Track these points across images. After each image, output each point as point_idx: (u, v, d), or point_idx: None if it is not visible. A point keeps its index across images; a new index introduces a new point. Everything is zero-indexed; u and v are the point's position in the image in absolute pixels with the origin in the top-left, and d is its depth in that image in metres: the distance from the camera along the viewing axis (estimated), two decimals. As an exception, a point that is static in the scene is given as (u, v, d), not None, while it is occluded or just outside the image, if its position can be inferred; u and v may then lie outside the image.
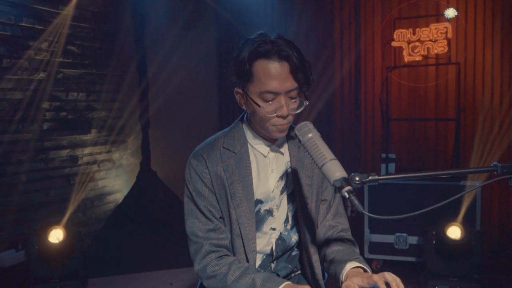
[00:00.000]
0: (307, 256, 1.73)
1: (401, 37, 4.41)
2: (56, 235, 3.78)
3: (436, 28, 4.28)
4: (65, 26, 4.78)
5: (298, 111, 1.60)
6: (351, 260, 1.59)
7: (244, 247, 1.65)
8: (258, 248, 1.70)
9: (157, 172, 5.30)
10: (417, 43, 4.34)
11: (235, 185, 1.64)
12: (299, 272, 1.84)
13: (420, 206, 1.34)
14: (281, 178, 1.71)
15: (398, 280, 1.39)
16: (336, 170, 1.35)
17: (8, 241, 4.16)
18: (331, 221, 1.76)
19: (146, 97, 5.44)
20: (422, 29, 4.34)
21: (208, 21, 5.47)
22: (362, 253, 4.38)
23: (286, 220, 1.74)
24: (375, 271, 4.21)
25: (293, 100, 1.57)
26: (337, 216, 1.77)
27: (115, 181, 5.45)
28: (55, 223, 3.89)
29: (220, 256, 1.62)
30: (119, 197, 5.36)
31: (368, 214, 1.30)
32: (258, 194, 1.68)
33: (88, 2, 4.98)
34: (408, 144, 4.76)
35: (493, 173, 1.36)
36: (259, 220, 1.70)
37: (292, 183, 1.72)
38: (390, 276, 1.40)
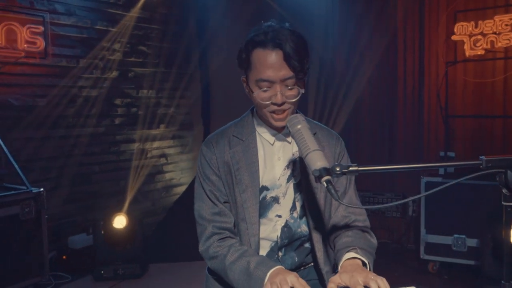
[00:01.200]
0: (314, 247, 1.76)
1: (462, 30, 4.22)
2: (120, 222, 4.09)
3: (501, 20, 4.04)
4: (136, 28, 5.13)
5: (295, 99, 1.62)
6: (349, 251, 1.59)
7: (247, 230, 1.72)
8: (264, 235, 1.75)
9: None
10: (479, 37, 4.13)
11: (241, 171, 1.70)
12: (311, 264, 1.86)
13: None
14: (287, 166, 1.75)
15: None
16: (317, 160, 1.39)
17: (81, 226, 4.57)
18: (343, 212, 1.75)
19: (208, 93, 5.66)
20: (485, 21, 4.12)
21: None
22: (417, 253, 4.27)
23: (293, 208, 1.77)
24: (431, 273, 4.10)
25: (289, 88, 1.60)
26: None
27: (182, 174, 5.74)
28: (121, 211, 4.20)
29: (222, 238, 1.69)
30: (185, 189, 5.64)
31: (343, 203, 1.34)
32: (264, 181, 1.73)
33: (157, 4, 5.29)
34: (472, 142, 4.54)
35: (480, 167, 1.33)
36: (265, 206, 1.74)
37: (300, 172, 1.77)
38: (374, 285, 1.39)
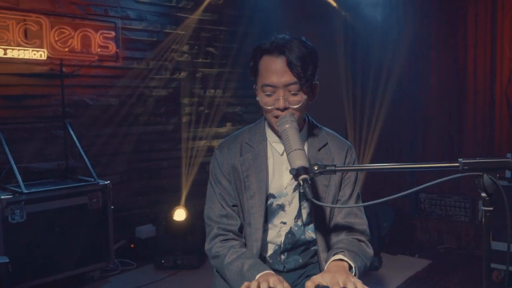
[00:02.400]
0: (319, 251, 1.80)
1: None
2: (179, 214, 4.33)
3: None
4: (204, 30, 5.35)
5: (297, 105, 1.65)
6: (337, 253, 1.62)
7: (251, 235, 1.78)
8: (269, 238, 1.82)
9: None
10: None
11: (250, 178, 1.77)
12: (317, 262, 1.88)
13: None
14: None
15: None
16: (297, 159, 1.43)
17: (149, 217, 4.89)
18: (341, 220, 1.78)
19: None
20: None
21: (337, 25, 5.50)
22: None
23: (297, 217, 1.80)
24: (495, 282, 3.86)
25: (292, 93, 1.64)
26: (350, 216, 1.78)
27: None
28: (180, 204, 4.43)
29: (226, 240, 1.77)
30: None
31: (316, 202, 1.36)
32: (271, 188, 1.79)
33: (225, 6, 5.47)
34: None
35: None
36: (271, 213, 1.80)
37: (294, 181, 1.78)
38: (350, 286, 1.41)
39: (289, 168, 1.71)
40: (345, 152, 1.82)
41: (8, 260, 3.23)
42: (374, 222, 4.31)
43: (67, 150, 4.24)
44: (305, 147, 1.78)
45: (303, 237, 1.82)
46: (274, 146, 1.80)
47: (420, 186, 1.30)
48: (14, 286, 3.33)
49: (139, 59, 4.88)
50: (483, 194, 1.26)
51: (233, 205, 1.81)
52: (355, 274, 1.57)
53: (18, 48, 3.86)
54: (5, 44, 3.83)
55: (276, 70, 1.62)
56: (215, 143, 5.55)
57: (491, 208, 1.26)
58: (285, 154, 1.76)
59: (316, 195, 1.76)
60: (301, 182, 1.39)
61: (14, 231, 3.48)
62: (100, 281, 4.04)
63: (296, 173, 1.40)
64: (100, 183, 3.94)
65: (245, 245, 1.80)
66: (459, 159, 1.27)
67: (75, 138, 4.11)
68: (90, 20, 4.43)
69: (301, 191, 1.38)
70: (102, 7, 4.59)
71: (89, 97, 4.53)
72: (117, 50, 4.54)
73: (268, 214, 1.79)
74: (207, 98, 5.49)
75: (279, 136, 1.56)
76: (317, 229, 1.78)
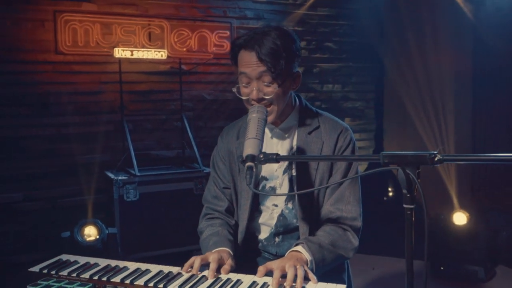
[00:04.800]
0: (300, 238, 1.81)
1: None
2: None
3: None
4: (323, 25, 5.39)
5: (271, 96, 1.68)
6: (297, 244, 1.63)
7: (240, 216, 1.88)
8: (262, 220, 1.88)
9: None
10: None
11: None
12: None
13: None
14: None
15: (290, 279, 1.41)
16: (248, 147, 1.48)
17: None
18: (330, 207, 1.76)
19: (382, 88, 5.51)
20: None
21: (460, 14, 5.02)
22: None
23: (288, 199, 1.84)
24: None
25: (265, 84, 1.68)
26: (340, 202, 1.75)
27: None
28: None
29: (210, 218, 1.91)
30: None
31: (254, 190, 1.40)
32: (264, 171, 1.85)
33: (345, 0, 5.42)
34: None
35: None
36: (264, 195, 1.87)
37: (296, 166, 1.81)
38: (290, 272, 1.43)
39: (279, 151, 1.79)
40: (337, 135, 1.80)
41: (117, 232, 3.79)
42: (486, 229, 3.90)
43: (184, 140, 4.72)
44: (296, 131, 1.83)
45: (294, 220, 1.84)
46: (265, 130, 1.85)
47: (344, 179, 1.26)
48: (124, 255, 3.87)
49: (255, 56, 5.13)
50: (404, 191, 1.17)
51: (224, 187, 1.92)
52: (311, 267, 1.57)
53: (142, 49, 4.42)
54: (132, 46, 4.42)
55: (248, 63, 1.69)
56: (332, 138, 5.55)
57: (412, 206, 1.16)
58: (275, 138, 1.82)
59: (306, 179, 1.78)
60: (245, 168, 1.45)
61: (128, 208, 4.03)
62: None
63: (242, 160, 1.46)
64: (205, 171, 4.31)
65: (233, 225, 1.90)
66: (381, 152, 1.20)
67: (188, 130, 4.55)
68: (209, 22, 4.83)
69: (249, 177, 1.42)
70: (221, 9, 4.96)
71: (207, 92, 4.95)
72: (232, 48, 4.86)
73: (261, 196, 1.86)
74: (324, 93, 5.52)
75: (247, 121, 1.63)
76: (301, 214, 1.79)
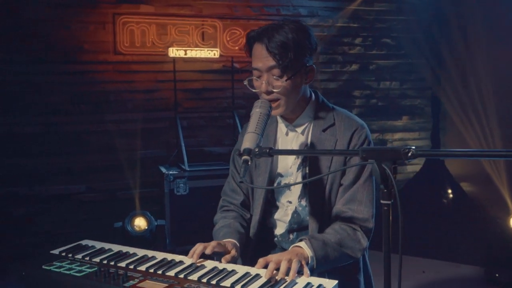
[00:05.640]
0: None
1: None
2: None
3: None
4: (380, 21, 5.26)
5: (279, 90, 1.68)
6: (301, 240, 1.62)
7: (253, 210, 1.90)
8: (278, 217, 1.88)
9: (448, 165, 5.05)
10: None
11: (260, 158, 1.90)
12: None
13: None
14: (298, 156, 1.84)
15: (282, 272, 1.42)
16: (246, 141, 1.51)
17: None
18: (342, 206, 1.72)
19: (439, 84, 5.26)
20: None
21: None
22: None
23: (301, 196, 1.82)
24: None
25: (275, 77, 1.69)
26: (352, 202, 1.71)
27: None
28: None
29: (226, 210, 1.95)
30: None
31: (246, 183, 1.43)
32: (279, 168, 1.86)
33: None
34: None
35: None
36: (279, 191, 1.86)
37: (309, 163, 1.81)
38: (283, 265, 1.44)
39: (293, 147, 1.79)
40: (351, 133, 1.76)
41: (165, 224, 3.95)
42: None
43: (235, 137, 4.80)
44: (310, 128, 1.82)
45: (307, 218, 1.84)
46: (280, 126, 1.87)
47: (326, 173, 1.26)
48: (172, 247, 4.03)
49: (309, 53, 5.12)
50: (381, 186, 1.15)
51: (241, 181, 1.95)
52: (312, 264, 1.58)
53: (196, 49, 4.57)
54: (186, 46, 4.58)
55: (259, 55, 1.71)
56: (389, 136, 5.42)
57: (389, 202, 1.14)
58: (290, 134, 1.83)
59: (317, 179, 1.77)
60: (242, 161, 1.48)
61: (178, 202, 4.18)
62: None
63: (239, 153, 1.50)
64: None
65: (247, 218, 1.93)
66: (361, 147, 1.19)
67: (239, 127, 4.63)
68: (262, 21, 4.88)
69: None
70: (274, 7, 5.00)
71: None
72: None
73: (276, 192, 1.88)
74: (381, 91, 5.38)
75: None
76: (310, 212, 1.78)
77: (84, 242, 1.81)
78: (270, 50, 1.67)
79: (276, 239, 1.93)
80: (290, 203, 1.86)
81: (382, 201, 1.15)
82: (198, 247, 1.60)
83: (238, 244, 1.73)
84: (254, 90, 1.77)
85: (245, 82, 1.78)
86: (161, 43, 4.58)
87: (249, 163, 1.48)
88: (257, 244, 1.93)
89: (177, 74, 4.57)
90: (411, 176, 5.47)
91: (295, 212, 1.85)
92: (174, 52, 4.45)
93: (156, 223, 3.88)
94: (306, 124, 1.83)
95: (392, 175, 1.10)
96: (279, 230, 1.92)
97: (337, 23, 5.18)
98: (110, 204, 4.53)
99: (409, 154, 1.08)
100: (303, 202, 1.83)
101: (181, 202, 4.19)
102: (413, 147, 1.09)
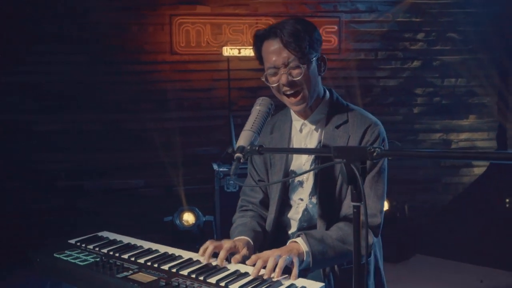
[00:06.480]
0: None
1: None
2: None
3: None
4: (445, 15, 4.99)
5: (299, 78, 1.67)
6: (300, 235, 1.60)
7: (270, 208, 1.90)
8: (290, 215, 1.87)
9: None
10: None
11: (275, 156, 1.87)
12: None
13: None
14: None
15: (268, 269, 1.43)
16: (241, 139, 1.52)
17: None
18: (349, 201, 1.69)
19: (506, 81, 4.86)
20: None
21: None
22: None
23: (312, 194, 1.79)
24: None
25: (292, 68, 1.68)
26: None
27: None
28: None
29: (244, 210, 1.95)
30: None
31: (235, 181, 1.43)
32: (293, 165, 1.84)
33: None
34: None
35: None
36: (292, 189, 1.84)
37: (321, 161, 1.77)
38: (271, 262, 1.43)
39: (307, 145, 1.79)
40: (364, 130, 1.74)
41: (213, 220, 4.03)
42: None
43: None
44: (323, 125, 1.80)
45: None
46: (295, 124, 1.86)
47: (300, 173, 1.23)
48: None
49: (367, 50, 4.98)
50: (351, 187, 1.10)
51: (259, 180, 1.96)
52: (308, 260, 1.57)
53: (249, 47, 4.60)
54: (240, 45, 4.63)
55: (274, 51, 1.71)
56: (453, 136, 5.13)
57: (359, 204, 1.09)
58: (304, 131, 1.81)
59: (329, 173, 1.74)
60: (235, 158, 1.49)
61: (227, 199, 4.23)
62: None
63: (232, 151, 1.50)
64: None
65: (266, 217, 1.93)
66: (333, 146, 1.15)
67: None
68: (318, 18, 4.82)
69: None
70: (331, 4, 4.91)
71: (315, 88, 4.94)
72: (340, 43, 4.80)
73: (290, 190, 1.86)
74: (445, 88, 5.10)
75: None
76: (319, 209, 1.76)
77: (102, 233, 1.90)
78: (284, 41, 1.67)
79: (288, 238, 1.91)
80: (301, 201, 1.85)
81: (352, 203, 1.10)
82: (209, 247, 1.60)
83: (251, 242, 1.73)
84: (272, 85, 1.76)
85: (263, 78, 1.78)
86: (215, 42, 4.67)
87: (241, 160, 1.48)
88: (272, 243, 1.93)
89: (231, 73, 4.63)
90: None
91: (306, 209, 1.84)
92: (228, 51, 4.51)
93: (204, 219, 3.96)
94: (319, 121, 1.81)
95: (360, 176, 1.05)
96: (292, 228, 1.91)
97: (398, 17, 4.98)
98: (165, 199, 4.69)
99: (375, 154, 1.03)
100: (314, 200, 1.81)
101: (230, 199, 4.23)
102: (378, 148, 1.03)
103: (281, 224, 1.93)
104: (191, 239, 3.79)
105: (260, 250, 1.84)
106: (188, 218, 3.89)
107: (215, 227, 4.14)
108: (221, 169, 4.25)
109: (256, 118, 1.58)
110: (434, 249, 4.39)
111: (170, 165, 4.75)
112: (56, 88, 4.54)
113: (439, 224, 4.75)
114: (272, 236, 1.92)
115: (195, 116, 4.81)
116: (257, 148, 1.44)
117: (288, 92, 1.73)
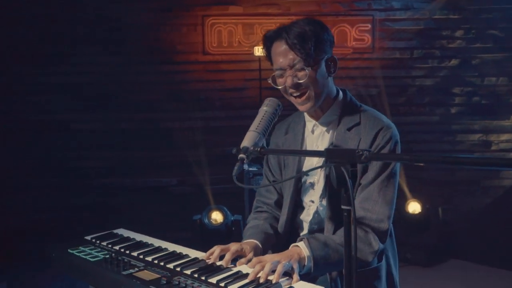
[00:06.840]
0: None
1: None
2: (413, 207, 4.20)
3: None
4: (486, 11, 4.81)
5: (304, 80, 1.65)
6: (302, 239, 1.59)
7: (283, 210, 1.88)
8: (301, 216, 1.84)
9: None
10: None
11: (288, 157, 1.87)
12: None
13: None
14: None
15: (265, 273, 1.42)
16: (246, 139, 1.52)
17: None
18: (358, 205, 1.62)
19: None
20: None
21: None
22: None
23: (322, 196, 1.76)
24: None
25: (298, 70, 1.66)
26: (367, 201, 1.62)
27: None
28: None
29: (258, 212, 1.94)
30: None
31: (237, 182, 1.43)
32: (305, 167, 1.82)
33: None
34: None
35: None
36: (304, 190, 1.82)
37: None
38: (267, 267, 1.42)
39: (319, 146, 1.78)
40: (376, 132, 1.69)
41: (241, 218, 4.05)
42: None
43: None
44: (335, 127, 1.77)
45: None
46: (308, 125, 1.84)
47: (294, 176, 1.22)
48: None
49: (402, 49, 4.87)
50: (342, 190, 1.08)
51: (274, 181, 1.95)
52: (310, 265, 1.55)
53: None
54: (271, 44, 4.62)
55: (280, 52, 1.70)
56: (494, 137, 4.94)
57: (349, 208, 1.07)
58: (316, 132, 1.79)
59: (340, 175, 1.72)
60: (238, 159, 1.49)
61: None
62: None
63: (235, 151, 1.51)
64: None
65: (278, 218, 1.92)
66: (325, 148, 1.13)
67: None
68: (351, 16, 4.75)
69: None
70: (365, 2, 4.83)
71: (349, 88, 4.86)
72: (373, 42, 4.71)
73: (302, 192, 1.85)
74: (485, 87, 4.92)
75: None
76: (328, 212, 1.74)
77: (117, 230, 1.94)
78: (289, 42, 1.66)
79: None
80: (312, 203, 1.83)
81: (342, 206, 1.08)
82: (216, 250, 1.62)
83: (260, 246, 1.73)
84: (279, 87, 1.75)
85: (269, 80, 1.78)
86: (247, 42, 4.69)
87: (245, 161, 1.48)
88: (285, 245, 1.91)
89: (263, 73, 4.63)
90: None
91: (316, 212, 1.82)
92: (260, 51, 4.51)
93: (232, 218, 3.99)
94: (331, 122, 1.78)
95: (349, 179, 1.03)
96: (304, 230, 1.89)
97: (435, 15, 4.83)
98: (197, 198, 4.75)
99: (363, 158, 1.01)
100: (324, 202, 1.79)
101: (259, 198, 4.25)
102: (366, 151, 1.01)
103: (294, 225, 1.92)
104: (219, 237, 3.82)
105: (273, 251, 1.84)
106: (217, 217, 3.93)
107: (243, 226, 4.15)
108: (250, 169, 4.26)
109: (262, 119, 1.58)
110: (471, 255, 4.24)
111: (201, 164, 4.81)
112: (93, 89, 4.69)
113: (476, 229, 4.59)
114: (284, 237, 1.91)
115: (227, 115, 4.85)
116: (259, 149, 1.43)
117: (295, 94, 1.71)
